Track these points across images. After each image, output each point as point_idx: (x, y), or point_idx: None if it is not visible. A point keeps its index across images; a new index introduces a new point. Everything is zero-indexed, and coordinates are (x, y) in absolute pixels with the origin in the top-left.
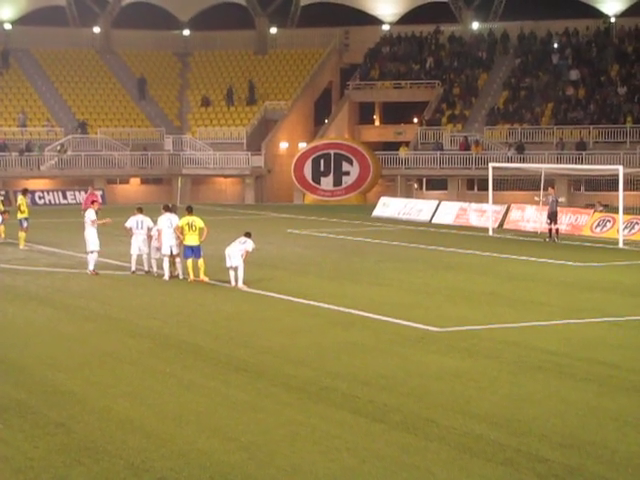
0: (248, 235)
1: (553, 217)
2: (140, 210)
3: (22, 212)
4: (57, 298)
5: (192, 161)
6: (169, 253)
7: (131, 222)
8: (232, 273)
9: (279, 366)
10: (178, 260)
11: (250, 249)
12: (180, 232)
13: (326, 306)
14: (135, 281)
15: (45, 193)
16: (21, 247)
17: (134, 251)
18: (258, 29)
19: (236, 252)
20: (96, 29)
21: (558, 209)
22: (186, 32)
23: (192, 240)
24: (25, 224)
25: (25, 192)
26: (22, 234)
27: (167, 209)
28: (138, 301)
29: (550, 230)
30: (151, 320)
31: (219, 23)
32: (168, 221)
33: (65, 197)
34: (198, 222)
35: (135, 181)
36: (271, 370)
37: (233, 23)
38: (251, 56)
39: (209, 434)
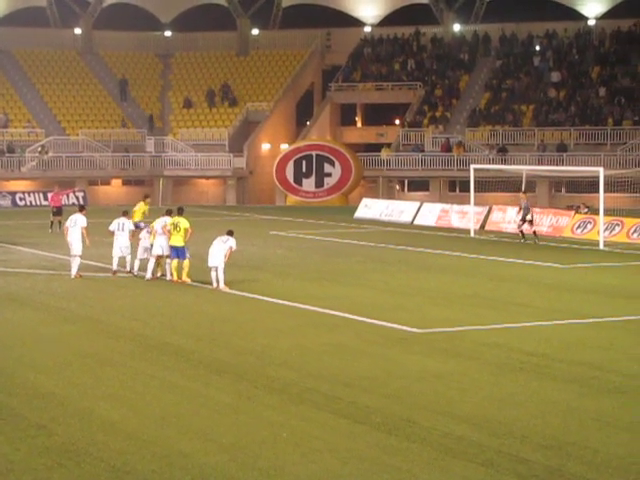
0: (230, 233)
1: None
2: (125, 213)
3: None
4: (38, 300)
5: (174, 162)
6: (160, 253)
7: (113, 225)
8: (213, 274)
9: (261, 368)
10: (168, 261)
11: (234, 246)
12: (168, 231)
13: (308, 308)
14: (117, 283)
15: (26, 195)
16: None
17: (116, 253)
18: (240, 30)
19: (218, 251)
20: (77, 30)
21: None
22: (168, 33)
23: (177, 241)
24: None
25: None
26: None
27: (168, 213)
28: (120, 303)
29: (522, 231)
30: (132, 322)
31: (200, 24)
32: (163, 223)
33: (46, 198)
34: (183, 223)
35: (117, 182)
36: (253, 372)
37: (214, 24)
38: (233, 57)
39: (191, 436)
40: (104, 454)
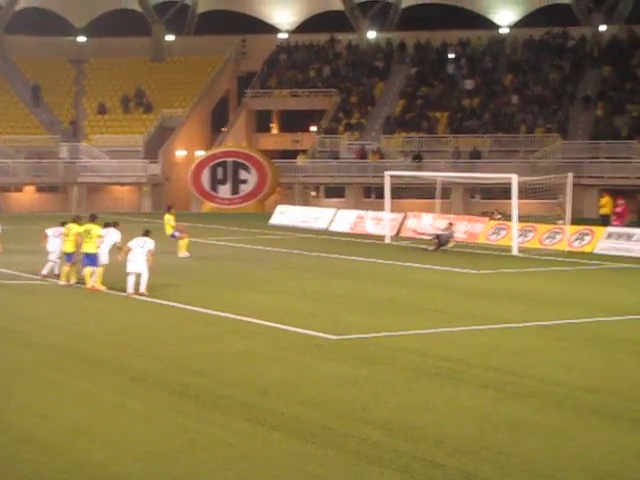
0: (147, 234)
1: (443, 241)
2: (63, 224)
3: None
4: None
5: (88, 169)
6: (105, 262)
7: (50, 230)
8: (131, 279)
9: (176, 375)
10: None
11: (152, 248)
12: (80, 239)
13: (224, 314)
14: (30, 290)
15: None
16: None
17: (51, 257)
18: (154, 36)
19: (139, 256)
20: None
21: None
22: (81, 38)
23: (89, 248)
24: None
25: None
26: None
27: (75, 220)
28: (33, 310)
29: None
30: (46, 329)
31: (115, 30)
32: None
33: None
34: (95, 230)
35: (30, 189)
36: (168, 379)
37: (129, 30)
38: (147, 63)
39: (104, 445)
40: (15, 464)
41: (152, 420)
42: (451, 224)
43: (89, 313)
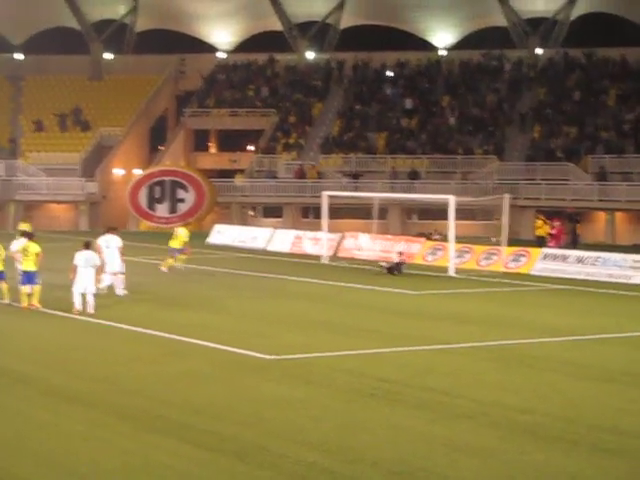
0: (87, 246)
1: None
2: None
3: None
4: None
5: (25, 187)
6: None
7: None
8: (79, 298)
9: (112, 395)
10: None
11: (99, 263)
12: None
13: (162, 334)
14: None
15: None
16: None
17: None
18: (93, 54)
19: (86, 276)
20: None
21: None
22: (19, 56)
23: (28, 266)
24: None
25: None
26: None
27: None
28: None
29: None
30: None
31: (53, 47)
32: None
33: None
34: (33, 247)
35: None
36: (104, 399)
37: (67, 48)
38: (85, 81)
39: (38, 464)
40: None
41: (88, 440)
42: (401, 253)
43: (24, 332)
